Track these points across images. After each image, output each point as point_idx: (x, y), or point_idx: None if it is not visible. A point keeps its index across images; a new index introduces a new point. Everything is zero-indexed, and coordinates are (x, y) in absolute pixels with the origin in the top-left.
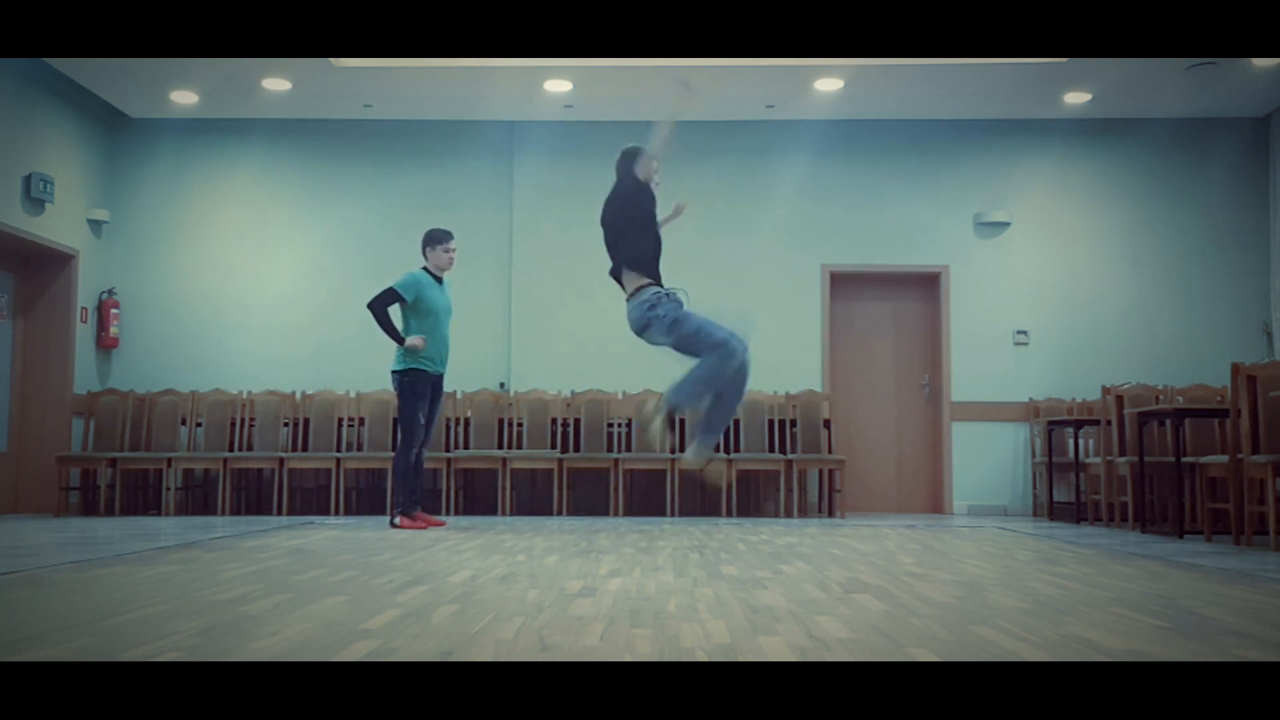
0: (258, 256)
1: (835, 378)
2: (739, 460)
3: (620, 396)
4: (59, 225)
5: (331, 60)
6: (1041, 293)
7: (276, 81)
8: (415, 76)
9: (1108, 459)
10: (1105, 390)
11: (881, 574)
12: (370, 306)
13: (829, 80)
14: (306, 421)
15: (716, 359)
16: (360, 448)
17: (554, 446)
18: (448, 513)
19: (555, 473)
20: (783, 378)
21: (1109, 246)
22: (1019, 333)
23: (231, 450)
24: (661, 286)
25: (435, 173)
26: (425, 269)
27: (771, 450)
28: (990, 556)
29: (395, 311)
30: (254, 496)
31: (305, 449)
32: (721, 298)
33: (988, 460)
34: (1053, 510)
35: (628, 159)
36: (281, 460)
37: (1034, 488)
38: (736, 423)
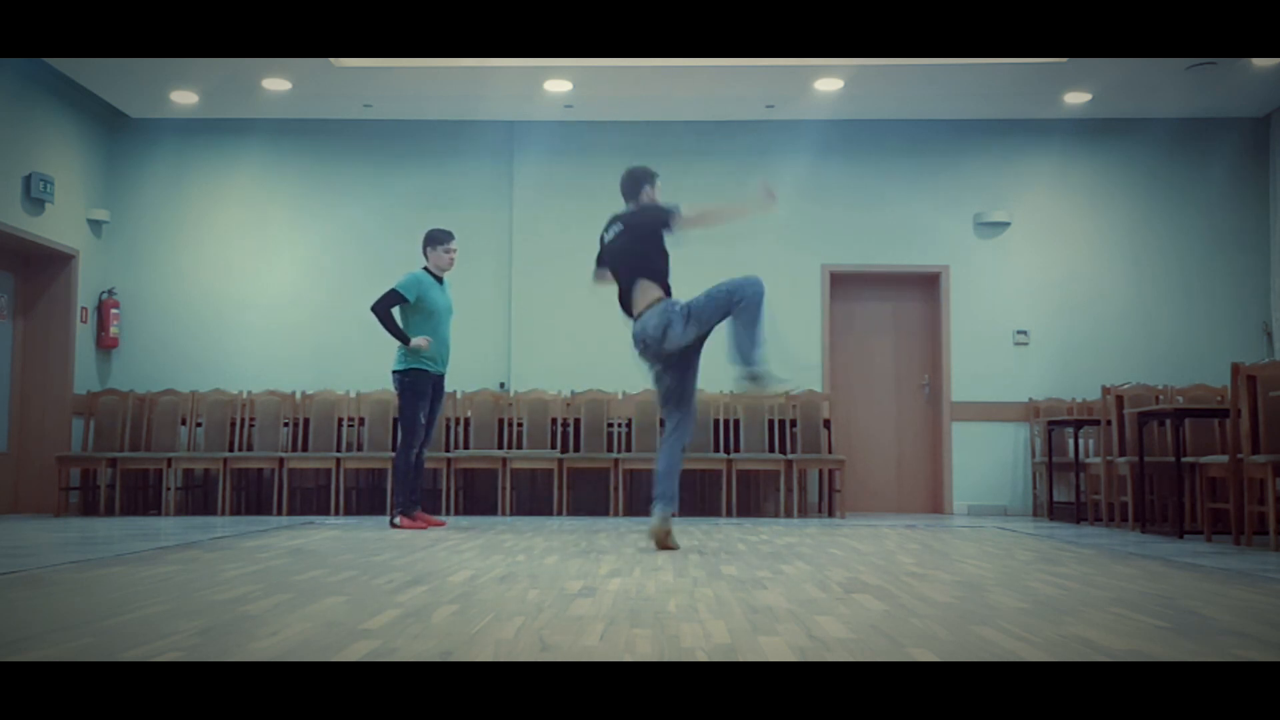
0: (258, 256)
1: (835, 378)
2: (739, 460)
3: (620, 396)
4: (59, 225)
5: (331, 60)
6: (1041, 293)
7: (276, 81)
8: (415, 76)
9: (1108, 459)
10: (1105, 390)
11: (881, 574)
12: (374, 310)
13: (829, 80)
14: (306, 421)
15: (747, 303)
16: (360, 448)
17: (554, 446)
18: (448, 513)
19: (555, 473)
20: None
21: (1109, 246)
22: (1019, 333)
23: (231, 450)
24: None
25: (435, 173)
26: (426, 269)
27: (771, 450)
28: (990, 556)
29: (396, 312)
30: (254, 496)
31: (305, 449)
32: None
33: (988, 460)
34: (1053, 510)
35: (640, 181)
36: (281, 460)
37: (1034, 488)
38: (736, 423)
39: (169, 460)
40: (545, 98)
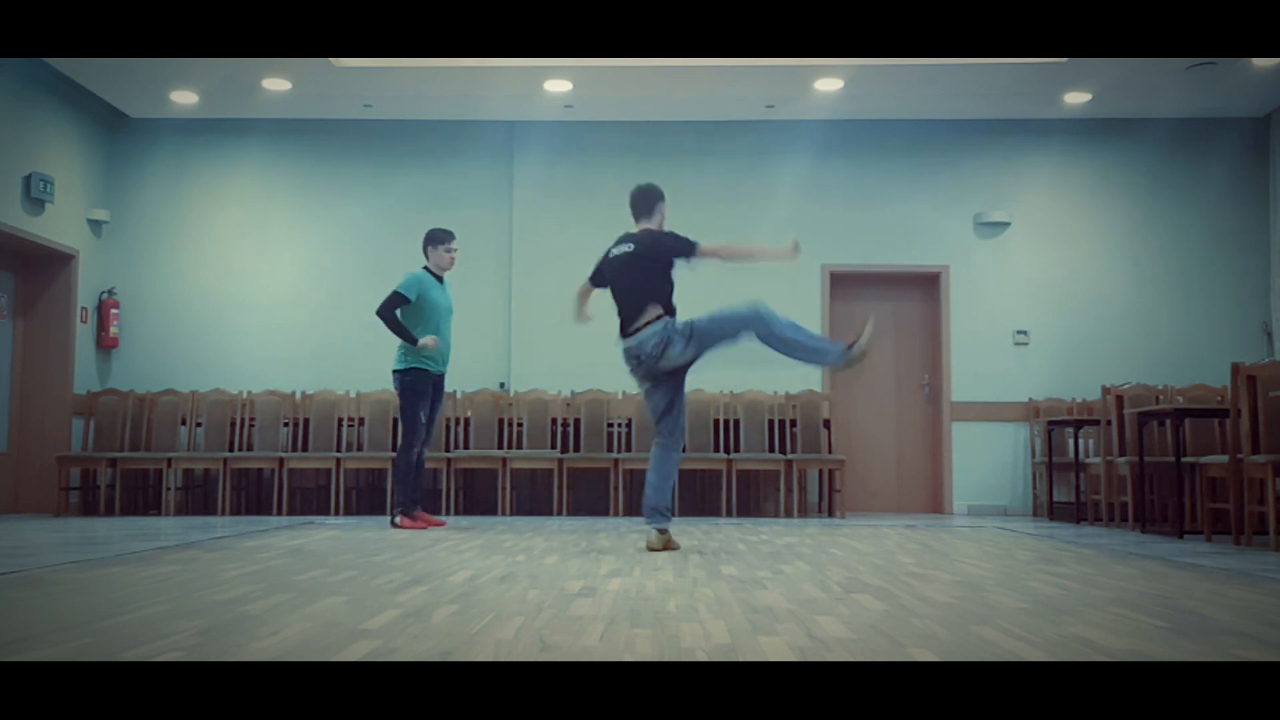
0: (258, 256)
1: (835, 377)
2: (739, 460)
3: (620, 396)
4: (59, 225)
5: (331, 60)
6: (1041, 293)
7: (276, 81)
8: (415, 76)
9: (1108, 459)
10: (1105, 390)
11: (881, 574)
12: (380, 315)
13: (829, 80)
14: (306, 421)
15: (773, 338)
16: (360, 448)
17: (554, 446)
18: (448, 513)
19: (555, 473)
20: (783, 378)
21: (1109, 246)
22: (1019, 333)
23: (231, 450)
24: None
25: (435, 173)
26: (426, 269)
27: (771, 450)
28: (990, 556)
29: (398, 312)
30: (254, 496)
31: (305, 449)
32: (722, 298)
33: (988, 460)
34: (1053, 510)
35: (654, 200)
36: (281, 460)
37: (1034, 488)
38: (736, 423)
39: (169, 460)
40: (545, 98)
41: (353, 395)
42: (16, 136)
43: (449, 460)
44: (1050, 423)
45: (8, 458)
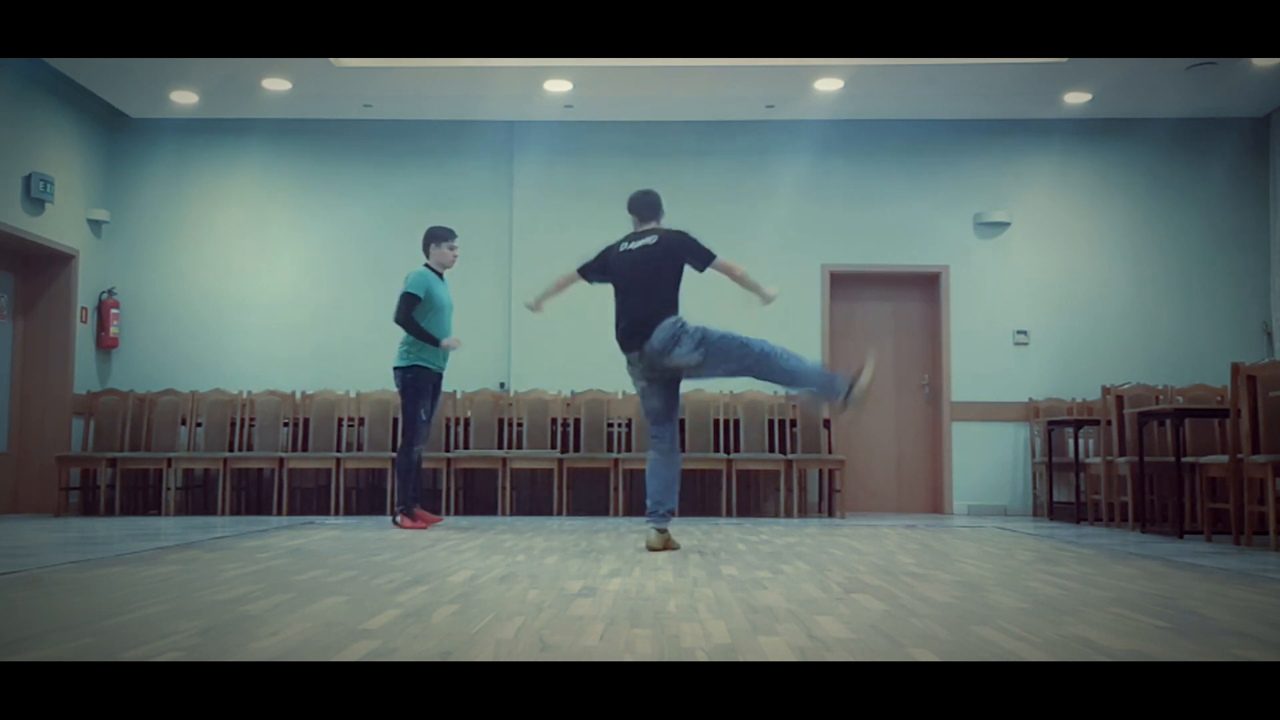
0: (258, 256)
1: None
2: (739, 460)
3: (620, 396)
4: (59, 225)
5: (331, 60)
6: (1041, 293)
7: (276, 81)
8: (415, 76)
9: (1108, 459)
10: (1105, 390)
11: (881, 574)
12: (402, 323)
13: (829, 80)
14: (306, 421)
15: (782, 374)
16: (360, 448)
17: (554, 446)
18: (448, 513)
19: (555, 473)
20: None
21: (1109, 246)
22: (1019, 333)
23: (231, 450)
24: None
25: (435, 173)
26: (428, 266)
27: (771, 450)
28: (990, 556)
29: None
30: (254, 496)
31: (305, 449)
32: (722, 298)
33: (988, 460)
34: (1053, 510)
35: (658, 205)
36: (281, 460)
37: (1034, 488)
38: (736, 423)
39: (169, 460)
40: (545, 98)
41: (353, 395)
42: (16, 136)
43: (449, 460)
44: (1050, 423)
45: (8, 458)
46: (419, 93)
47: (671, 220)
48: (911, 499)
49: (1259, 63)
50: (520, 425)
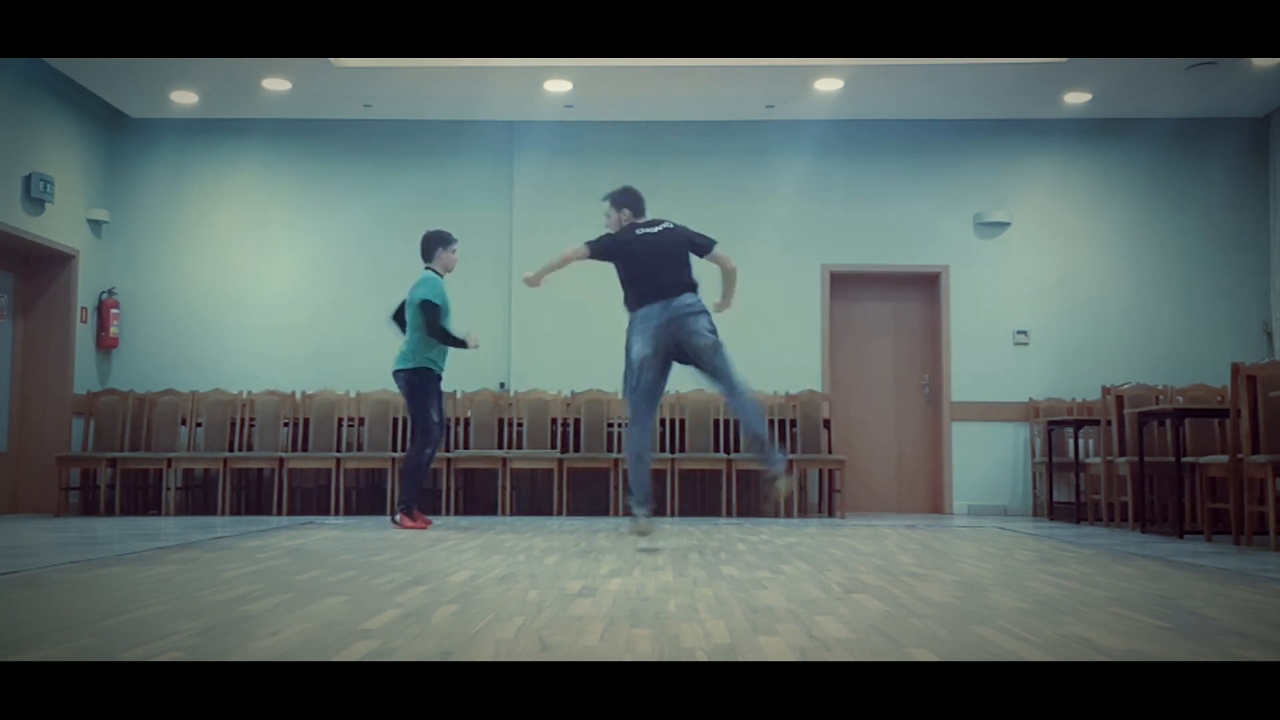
0: (258, 256)
1: (835, 378)
2: (739, 460)
3: (620, 396)
4: (59, 225)
5: (331, 60)
6: (1041, 293)
7: (276, 81)
8: (415, 76)
9: (1108, 459)
10: (1105, 390)
11: (881, 574)
12: (437, 335)
13: (829, 80)
14: (306, 421)
15: (752, 407)
16: (360, 448)
17: (554, 446)
18: (448, 513)
19: (555, 473)
20: (783, 378)
21: (1109, 246)
22: (1019, 333)
23: (231, 450)
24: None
25: (435, 173)
26: (432, 269)
27: None
28: (990, 556)
29: (418, 313)
30: (254, 496)
31: (305, 449)
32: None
33: (988, 460)
34: (1053, 510)
35: (644, 200)
36: (281, 460)
37: (1034, 488)
38: (737, 423)
39: (169, 460)
40: (545, 98)
41: (353, 395)
42: (16, 136)
43: (449, 460)
44: (1050, 423)
45: (8, 458)
46: (419, 93)
47: (674, 221)
48: (911, 499)
49: (1259, 63)
50: (520, 425)
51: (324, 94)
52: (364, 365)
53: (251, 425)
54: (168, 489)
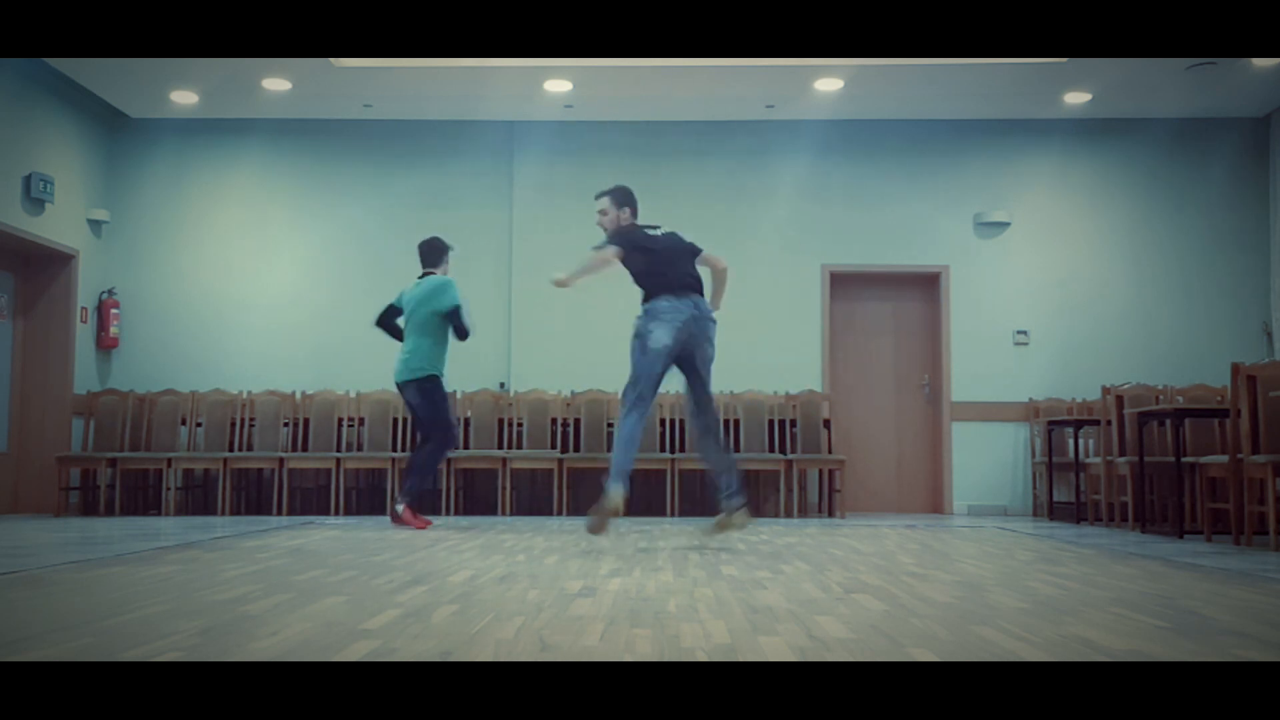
0: (258, 256)
1: (835, 378)
2: (739, 460)
3: (620, 396)
4: (59, 225)
5: (331, 60)
6: (1041, 293)
7: (276, 81)
8: (415, 76)
9: (1108, 459)
10: (1105, 390)
11: (881, 574)
12: (468, 335)
13: (829, 80)
14: (306, 421)
15: (721, 438)
16: (360, 448)
17: (554, 446)
18: (448, 513)
19: (555, 473)
20: (783, 378)
21: (1109, 246)
22: (1019, 333)
23: (231, 450)
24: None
25: (435, 173)
26: (440, 274)
27: (771, 450)
28: (990, 556)
29: (437, 318)
30: (254, 496)
31: (305, 449)
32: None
33: (988, 460)
34: (1053, 510)
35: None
36: (281, 460)
37: (1034, 488)
38: (736, 422)
39: (169, 460)
40: (545, 98)
41: (353, 395)
42: (16, 136)
43: (449, 460)
44: (1050, 423)
45: (8, 458)
46: (419, 93)
47: (674, 220)
48: (911, 499)
49: (1259, 63)
50: (520, 425)
51: (324, 94)
52: (364, 365)
53: (251, 425)
54: (168, 489)
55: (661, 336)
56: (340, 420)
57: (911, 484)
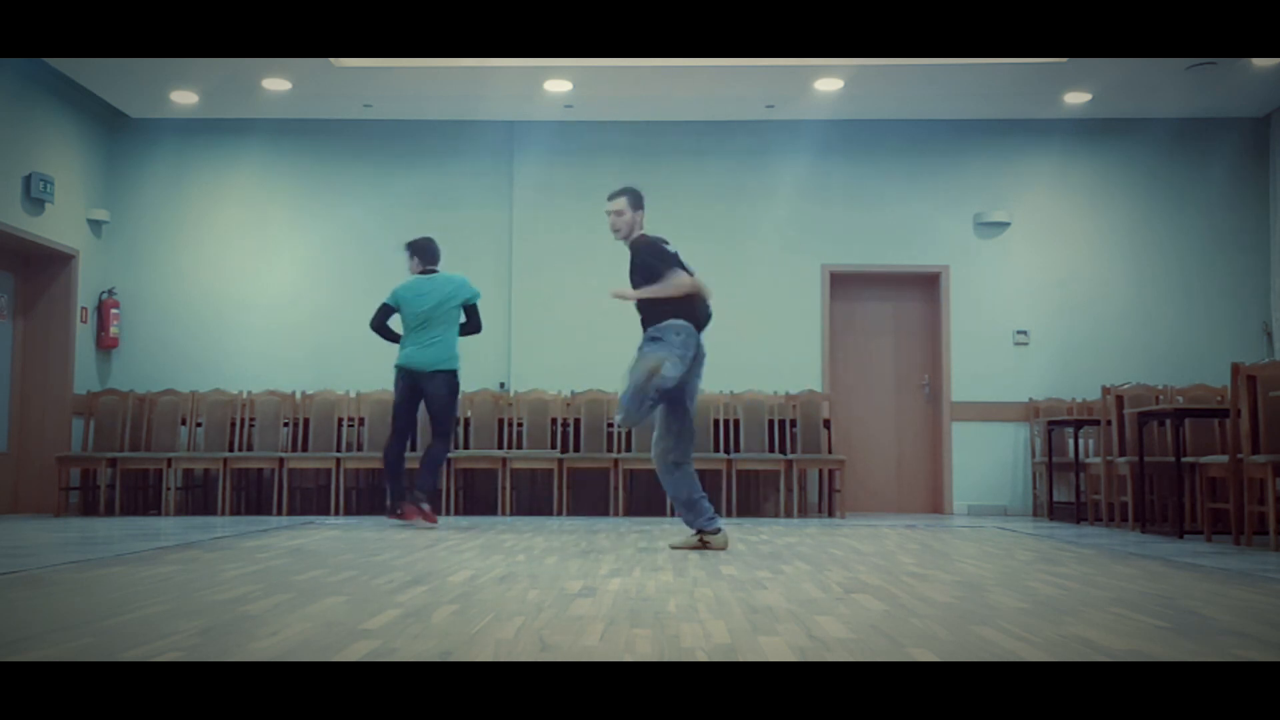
0: (258, 256)
1: (835, 378)
2: (739, 460)
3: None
4: (59, 225)
5: (331, 60)
6: (1041, 293)
7: (276, 81)
8: (415, 76)
9: (1108, 459)
10: (1105, 390)
11: (881, 574)
12: (480, 329)
13: (829, 80)
14: (306, 421)
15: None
16: (360, 448)
17: (554, 446)
18: (448, 513)
19: (555, 473)
20: (783, 378)
21: (1109, 246)
22: (1019, 333)
23: (231, 450)
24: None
25: (435, 173)
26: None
27: (771, 450)
28: (990, 556)
29: (456, 313)
30: (254, 496)
31: (305, 449)
32: (721, 298)
33: (988, 460)
34: (1053, 510)
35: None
36: (281, 460)
37: (1034, 488)
38: (736, 422)
39: (169, 460)
40: (545, 98)
41: (353, 395)
42: (16, 136)
43: (449, 460)
44: (1050, 423)
45: (8, 458)
46: (419, 93)
47: (674, 220)
48: (911, 499)
49: (1259, 63)
50: (520, 425)
51: (324, 94)
52: (364, 365)
53: (251, 425)
54: (168, 489)
55: (677, 367)
56: (340, 420)
57: (911, 484)
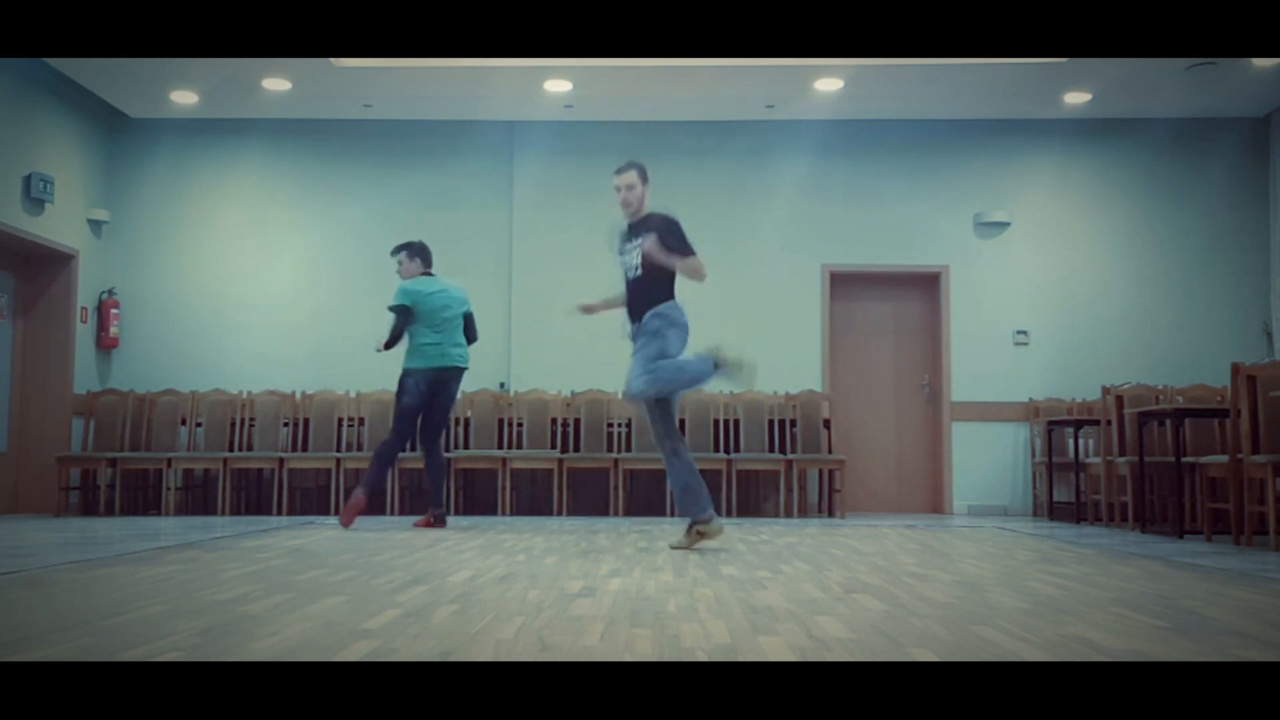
0: (258, 256)
1: (835, 378)
2: (739, 460)
3: (620, 396)
4: (59, 225)
5: (331, 60)
6: (1041, 293)
7: (276, 81)
8: (415, 76)
9: (1108, 459)
10: (1105, 390)
11: (881, 574)
12: (476, 338)
13: (829, 80)
14: (306, 421)
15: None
16: (360, 448)
17: (554, 446)
18: (448, 513)
19: (555, 473)
20: (783, 378)
21: (1109, 246)
22: (1019, 333)
23: (231, 450)
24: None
25: (435, 173)
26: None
27: (771, 450)
28: (990, 556)
29: (462, 318)
30: (254, 496)
31: (305, 449)
32: (721, 298)
33: (988, 460)
34: (1053, 510)
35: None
36: (281, 460)
37: (1034, 488)
38: (736, 422)
39: (169, 460)
40: (545, 98)
41: (353, 395)
42: (16, 136)
43: (449, 460)
44: (1050, 423)
45: (8, 458)
46: (419, 93)
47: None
48: (911, 499)
49: (1259, 63)
50: (520, 425)
51: (324, 94)
52: (364, 365)
53: (251, 425)
54: (168, 489)
55: (683, 344)
56: (340, 420)
57: (911, 484)
